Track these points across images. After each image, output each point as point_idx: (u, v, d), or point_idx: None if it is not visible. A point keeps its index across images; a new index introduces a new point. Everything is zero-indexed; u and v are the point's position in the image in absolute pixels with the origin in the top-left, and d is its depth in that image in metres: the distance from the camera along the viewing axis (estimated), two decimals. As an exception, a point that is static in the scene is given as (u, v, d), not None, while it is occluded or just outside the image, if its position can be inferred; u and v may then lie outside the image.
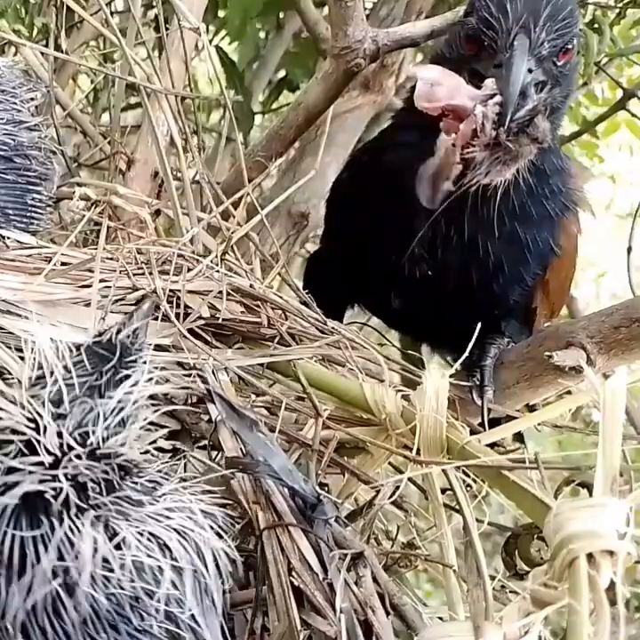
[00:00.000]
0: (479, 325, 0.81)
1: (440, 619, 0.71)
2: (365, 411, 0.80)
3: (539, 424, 0.89)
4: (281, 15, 1.92)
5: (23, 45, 1.12)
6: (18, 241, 0.90)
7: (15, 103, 0.95)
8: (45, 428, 0.60)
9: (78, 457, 0.60)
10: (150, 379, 0.67)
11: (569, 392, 0.88)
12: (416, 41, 1.11)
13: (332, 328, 0.89)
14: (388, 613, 0.67)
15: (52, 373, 0.63)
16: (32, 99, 0.97)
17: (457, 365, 0.81)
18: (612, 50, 1.35)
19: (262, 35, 2.02)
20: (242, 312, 0.87)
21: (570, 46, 0.87)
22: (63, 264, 0.87)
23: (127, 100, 1.58)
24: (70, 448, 0.60)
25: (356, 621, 0.65)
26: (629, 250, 1.25)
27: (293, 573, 0.67)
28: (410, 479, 0.75)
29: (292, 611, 0.66)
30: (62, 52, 1.27)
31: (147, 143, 1.12)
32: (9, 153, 0.93)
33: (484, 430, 0.83)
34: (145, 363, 0.68)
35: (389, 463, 0.85)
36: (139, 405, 0.65)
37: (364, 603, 0.66)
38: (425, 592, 1.53)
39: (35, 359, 0.64)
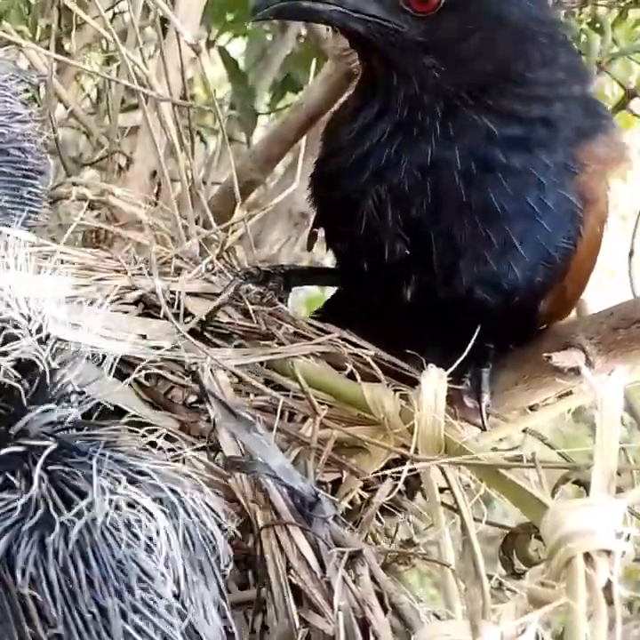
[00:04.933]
0: (479, 328, 0.81)
1: (437, 616, 0.71)
2: (363, 410, 0.80)
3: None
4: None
5: (21, 45, 1.12)
6: (17, 238, 0.90)
7: (6, 95, 0.94)
8: None
9: None
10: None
11: (569, 393, 0.87)
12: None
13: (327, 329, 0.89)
14: (385, 612, 0.67)
15: None
16: (26, 90, 0.96)
17: (455, 367, 0.81)
18: (614, 49, 1.34)
19: (269, 36, 2.03)
20: (239, 318, 0.87)
21: None
22: (62, 262, 0.87)
23: (128, 101, 1.58)
24: None
25: (354, 619, 0.65)
26: (631, 253, 1.25)
27: (292, 572, 0.68)
28: (408, 478, 0.76)
29: (291, 609, 0.66)
30: (64, 52, 1.27)
31: (145, 143, 1.12)
32: (4, 145, 0.93)
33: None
34: None
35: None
36: None
37: (361, 601, 0.66)
38: (429, 596, 1.53)
39: None
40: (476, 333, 0.80)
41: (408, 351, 0.85)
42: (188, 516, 0.63)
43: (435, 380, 0.76)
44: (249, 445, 0.71)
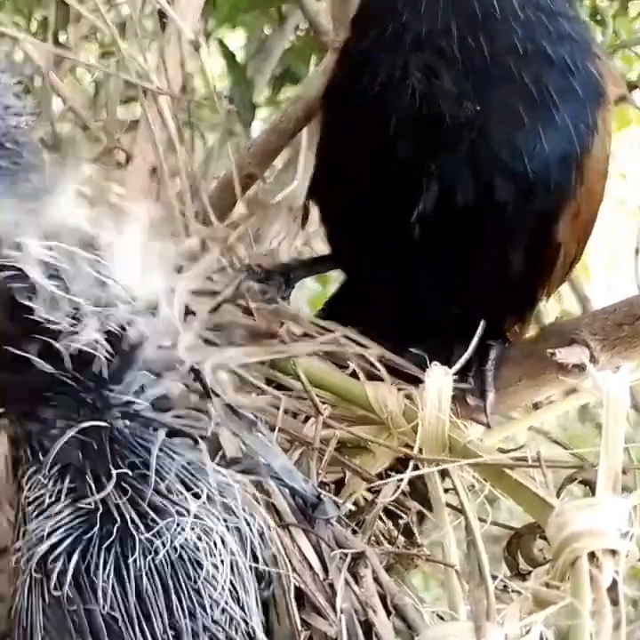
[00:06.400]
0: (481, 327, 0.81)
1: (441, 618, 0.71)
2: (367, 409, 0.79)
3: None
4: (283, 8, 1.91)
5: (17, 38, 1.11)
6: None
7: None
8: None
9: None
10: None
11: (575, 391, 0.87)
12: (418, 33, 1.10)
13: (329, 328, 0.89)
14: (388, 613, 0.67)
15: None
16: (19, 82, 0.94)
17: (458, 366, 0.80)
18: (615, 42, 1.34)
19: (265, 28, 2.02)
20: (241, 316, 0.87)
21: None
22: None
23: (126, 93, 1.57)
24: None
25: (357, 621, 0.65)
26: (637, 250, 1.25)
27: (294, 573, 0.67)
28: (412, 478, 0.75)
29: (293, 611, 0.66)
30: (61, 45, 1.26)
31: (145, 138, 1.12)
32: (0, 138, 0.90)
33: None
34: None
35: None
36: None
37: (364, 603, 0.66)
38: (434, 596, 1.53)
39: None
40: (481, 332, 0.79)
41: (411, 349, 0.85)
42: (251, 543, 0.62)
43: (439, 379, 0.76)
44: (251, 445, 0.71)
